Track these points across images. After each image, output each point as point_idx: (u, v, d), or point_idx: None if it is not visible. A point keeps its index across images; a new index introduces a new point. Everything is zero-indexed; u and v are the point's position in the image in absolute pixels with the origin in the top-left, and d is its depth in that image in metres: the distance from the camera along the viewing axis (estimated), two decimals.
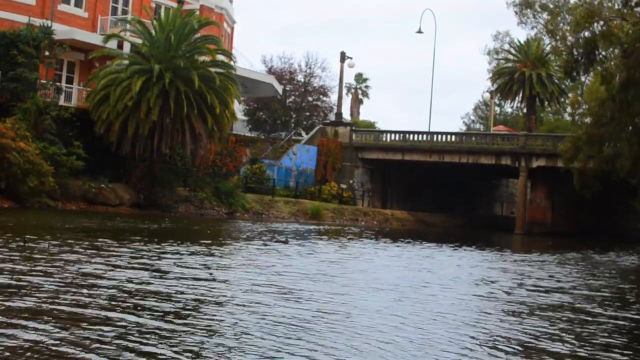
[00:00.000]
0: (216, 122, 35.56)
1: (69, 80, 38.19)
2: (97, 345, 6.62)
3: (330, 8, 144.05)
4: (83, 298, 9.06)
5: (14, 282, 9.82)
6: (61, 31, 35.67)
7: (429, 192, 57.11)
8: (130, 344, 6.74)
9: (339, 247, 21.94)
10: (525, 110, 66.94)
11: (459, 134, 55.04)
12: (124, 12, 41.22)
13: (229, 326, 7.98)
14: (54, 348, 6.41)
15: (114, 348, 6.57)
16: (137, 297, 9.41)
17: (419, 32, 58.58)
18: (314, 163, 51.17)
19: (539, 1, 59.95)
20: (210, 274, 12.36)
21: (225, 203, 38.46)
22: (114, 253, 14.61)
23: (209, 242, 19.64)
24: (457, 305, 10.82)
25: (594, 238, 42.99)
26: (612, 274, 18.87)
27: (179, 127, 34.87)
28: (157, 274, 11.86)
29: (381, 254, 20.45)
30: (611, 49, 28.59)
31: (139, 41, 36.13)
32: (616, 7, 28.43)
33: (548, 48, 38.79)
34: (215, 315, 8.66)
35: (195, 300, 9.58)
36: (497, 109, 78.03)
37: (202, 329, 7.72)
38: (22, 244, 14.35)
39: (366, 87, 79.19)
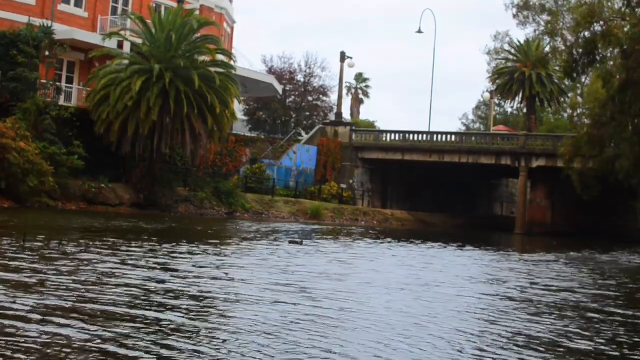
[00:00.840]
0: (216, 122, 35.57)
1: (69, 80, 38.19)
2: (133, 342, 6.80)
3: (331, 8, 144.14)
4: (110, 296, 9.25)
5: (39, 281, 9.99)
6: (61, 31, 35.67)
7: (429, 192, 57.11)
8: (164, 341, 6.92)
9: (346, 247, 22.01)
10: (525, 110, 66.95)
11: (459, 134, 55.06)
12: (124, 12, 41.22)
13: (259, 324, 8.12)
14: (95, 346, 6.58)
15: (149, 344, 6.74)
16: (161, 296, 9.64)
17: (419, 32, 58.60)
18: (314, 163, 51.17)
19: (538, 2, 60.04)
20: (227, 273, 12.53)
21: (225, 203, 38.47)
22: (128, 253, 14.79)
23: (217, 242, 19.78)
24: (479, 304, 11.06)
25: (594, 238, 42.99)
26: (619, 274, 19.02)
27: (179, 127, 34.87)
28: (175, 273, 12.09)
29: (388, 254, 20.58)
30: (611, 50, 28.59)
31: (139, 41, 36.13)
32: (617, 6, 28.42)
33: (548, 48, 38.80)
34: (241, 313, 8.83)
35: (218, 298, 9.79)
36: (497, 108, 78.04)
37: (233, 327, 7.90)
38: (22, 242, 14.40)
39: (366, 87, 79.24)
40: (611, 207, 52.03)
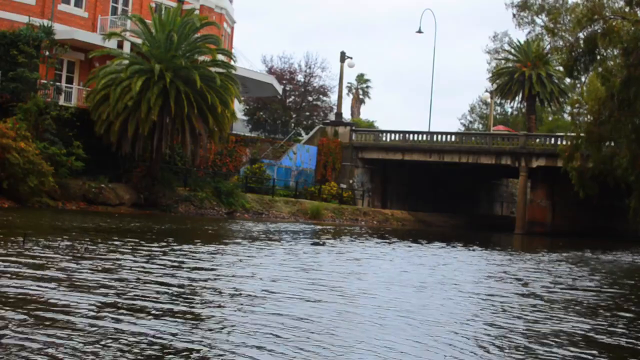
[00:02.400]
0: (216, 122, 35.57)
1: (69, 80, 38.20)
2: (187, 336, 7.04)
3: (331, 8, 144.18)
4: (154, 294, 9.54)
5: (76, 280, 10.25)
6: (61, 31, 35.68)
7: (429, 192, 57.12)
8: (221, 337, 7.17)
9: (363, 247, 22.23)
10: (525, 110, 66.94)
11: (459, 133, 55.06)
12: (124, 12, 41.23)
13: (306, 320, 8.36)
14: (156, 340, 6.86)
15: (206, 339, 6.98)
16: (203, 294, 9.96)
17: (419, 32, 58.63)
18: (313, 163, 51.18)
19: (537, 2, 59.92)
20: (252, 273, 12.73)
21: (225, 203, 38.46)
22: (151, 252, 15.06)
23: (229, 242, 19.94)
24: (513, 303, 11.29)
25: (595, 238, 43.06)
26: (631, 274, 19.41)
27: (179, 127, 34.88)
28: (204, 272, 12.40)
29: (403, 254, 20.76)
30: (611, 48, 28.57)
31: (139, 41, 36.13)
32: (617, 6, 28.42)
33: (548, 47, 38.70)
34: (283, 309, 9.03)
35: (258, 296, 10.02)
36: (497, 108, 78.06)
37: (285, 322, 8.12)
38: (22, 240, 14.39)
39: (367, 87, 79.26)
40: (611, 207, 52.02)
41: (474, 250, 24.80)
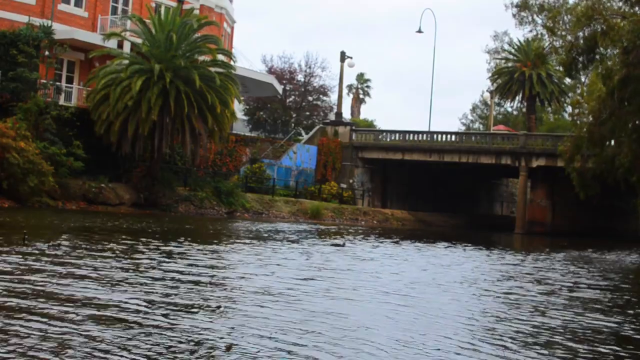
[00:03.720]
0: (216, 122, 35.56)
1: (69, 80, 38.18)
2: (242, 332, 7.42)
3: (331, 8, 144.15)
4: (190, 292, 9.90)
5: (112, 279, 10.59)
6: (61, 31, 35.67)
7: (429, 191, 57.11)
8: (269, 334, 7.41)
9: (365, 246, 22.37)
10: (525, 110, 66.91)
11: (459, 133, 55.03)
12: (124, 11, 41.21)
13: (346, 317, 8.69)
14: (206, 335, 7.23)
15: (253, 336, 7.27)
16: (236, 291, 10.34)
17: (419, 31, 58.64)
18: (314, 163, 51.17)
19: (537, 2, 59.66)
20: (272, 272, 12.95)
21: (225, 202, 38.45)
22: (169, 251, 15.40)
23: (240, 242, 20.08)
24: (543, 300, 11.69)
25: (595, 238, 43.05)
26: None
27: (179, 126, 34.87)
28: (229, 270, 12.87)
29: (417, 254, 20.95)
30: (611, 48, 28.56)
31: (139, 41, 36.12)
32: (615, 6, 28.39)
33: (547, 47, 38.60)
34: (323, 307, 9.32)
35: (306, 294, 10.41)
36: (497, 108, 78.00)
37: (326, 319, 8.45)
38: (22, 240, 14.40)
39: (367, 87, 79.26)
40: (611, 207, 52.03)
41: (482, 250, 25.06)
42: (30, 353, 6.11)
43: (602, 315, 10.46)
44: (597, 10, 26.33)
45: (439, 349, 7.30)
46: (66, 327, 7.13)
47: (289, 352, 6.65)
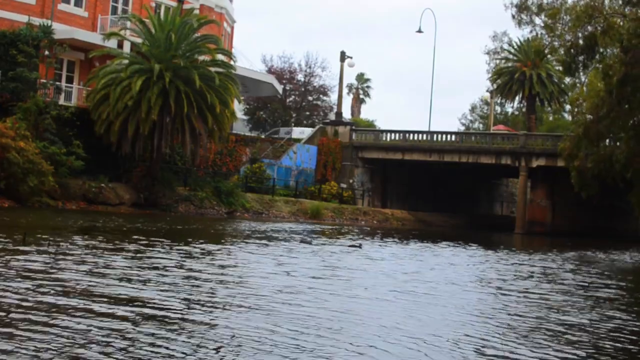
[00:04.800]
0: (216, 122, 35.55)
1: (69, 80, 38.18)
2: (288, 329, 7.67)
3: (331, 8, 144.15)
4: (216, 291, 10.18)
5: (140, 278, 10.84)
6: (61, 30, 35.66)
7: (429, 191, 57.09)
8: (308, 332, 7.61)
9: (371, 246, 22.49)
10: (525, 110, 66.90)
11: (459, 133, 55.03)
12: (124, 11, 41.21)
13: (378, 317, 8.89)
14: (243, 331, 7.47)
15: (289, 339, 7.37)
16: (287, 292, 10.46)
17: (419, 31, 58.66)
18: (314, 162, 51.16)
19: (536, 2, 59.56)
20: (287, 272, 13.14)
21: (225, 202, 38.45)
22: (186, 251, 15.61)
23: (251, 242, 20.20)
24: (562, 299, 12.01)
25: (595, 238, 43.05)
26: None
27: (179, 126, 34.85)
28: (249, 270, 13.14)
29: (421, 253, 21.12)
30: (611, 46, 28.56)
31: (139, 40, 36.11)
32: (616, 6, 28.40)
33: (547, 45, 38.53)
34: (353, 307, 9.52)
35: (341, 294, 10.61)
36: (497, 108, 78.00)
37: (360, 319, 8.64)
38: (22, 240, 14.40)
39: (367, 87, 79.30)
40: (611, 207, 52.01)
41: (488, 250, 25.26)
42: (79, 350, 6.25)
43: (623, 313, 10.70)
44: (597, 9, 26.36)
45: (478, 349, 7.50)
46: (116, 324, 7.39)
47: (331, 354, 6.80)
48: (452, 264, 17.69)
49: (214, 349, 6.59)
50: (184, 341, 6.82)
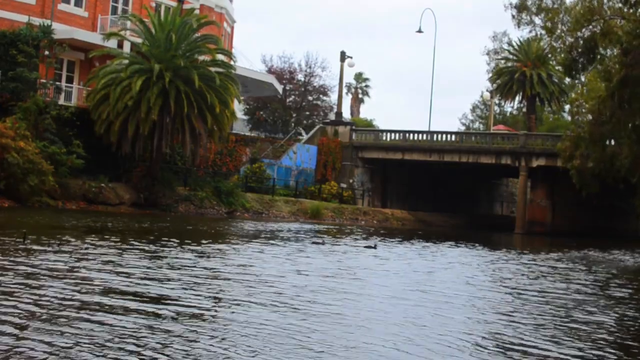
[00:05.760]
0: (216, 122, 35.56)
1: (69, 80, 38.18)
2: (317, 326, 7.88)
3: (331, 8, 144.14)
4: (239, 288, 10.50)
5: (162, 276, 11.15)
6: (61, 30, 35.66)
7: (429, 191, 57.08)
8: (339, 333, 7.76)
9: (387, 246, 22.68)
10: (525, 110, 66.89)
11: (459, 133, 55.00)
12: (124, 11, 41.20)
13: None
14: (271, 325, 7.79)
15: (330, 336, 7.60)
16: (315, 292, 10.70)
17: (419, 31, 58.65)
18: (314, 162, 51.14)
19: (536, 3, 59.46)
20: (306, 272, 13.38)
21: (225, 202, 38.45)
22: (200, 250, 15.89)
23: (262, 242, 20.32)
24: (581, 298, 12.25)
25: (595, 238, 43.03)
26: None
27: (179, 126, 34.86)
28: (268, 269, 13.37)
29: (428, 253, 21.27)
30: (611, 48, 28.56)
31: (139, 40, 36.11)
32: (616, 7, 28.38)
33: (546, 46, 38.58)
34: (382, 306, 9.78)
35: (365, 294, 10.86)
36: (497, 108, 77.99)
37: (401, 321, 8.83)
38: (22, 240, 14.41)
39: (366, 86, 79.30)
40: (611, 207, 51.99)
41: (495, 250, 25.37)
42: (113, 346, 6.55)
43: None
44: (597, 10, 26.35)
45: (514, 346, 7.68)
46: (152, 320, 7.66)
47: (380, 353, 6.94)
48: (463, 264, 17.92)
49: (250, 345, 6.78)
50: (219, 337, 7.02)
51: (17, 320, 7.26)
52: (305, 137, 55.00)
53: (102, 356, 6.16)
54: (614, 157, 30.41)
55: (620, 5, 27.45)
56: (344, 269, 14.17)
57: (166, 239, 18.36)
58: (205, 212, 36.68)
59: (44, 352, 6.12)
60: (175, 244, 16.95)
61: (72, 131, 32.91)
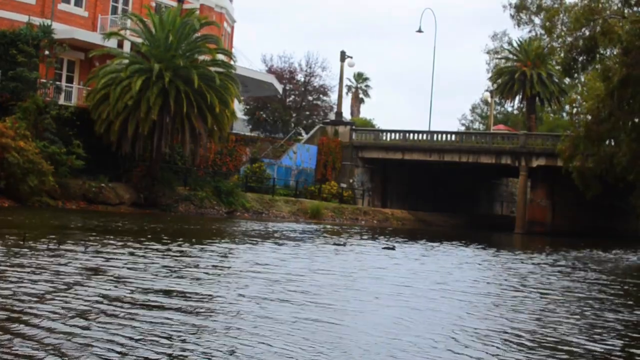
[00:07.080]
0: (216, 122, 35.56)
1: (69, 80, 38.19)
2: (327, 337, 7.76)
3: (331, 8, 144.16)
4: (262, 286, 10.59)
5: (185, 275, 11.33)
6: (61, 30, 35.67)
7: (429, 191, 57.09)
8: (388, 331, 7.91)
9: (403, 247, 22.73)
10: (525, 110, 66.89)
11: (459, 133, 55.02)
12: (124, 11, 41.22)
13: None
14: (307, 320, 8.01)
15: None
16: (342, 292, 10.79)
17: (419, 31, 58.68)
18: (314, 162, 51.15)
19: (535, 3, 59.44)
20: (328, 270, 13.47)
21: (225, 202, 38.46)
22: (220, 249, 16.13)
23: (273, 242, 20.34)
24: (607, 297, 12.43)
25: (595, 238, 43.04)
26: None
27: (179, 126, 34.87)
28: (290, 267, 13.56)
29: (435, 253, 21.37)
30: (611, 47, 28.56)
31: (139, 40, 36.12)
32: (615, 7, 28.41)
33: (546, 46, 38.55)
34: (417, 305, 9.91)
35: (393, 294, 10.93)
36: (497, 108, 78.00)
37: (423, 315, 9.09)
38: (22, 241, 14.40)
39: (366, 86, 79.30)
40: (611, 207, 52.00)
41: (501, 250, 25.39)
42: (152, 339, 6.73)
43: None
44: (597, 10, 26.36)
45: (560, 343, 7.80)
46: (188, 316, 7.88)
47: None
48: (475, 263, 18.03)
49: (286, 342, 6.88)
50: (256, 334, 7.13)
51: (90, 315, 7.61)
52: (305, 137, 55.02)
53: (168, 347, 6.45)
54: (613, 157, 30.41)
55: (619, 5, 27.47)
56: (369, 270, 14.23)
57: (180, 239, 18.50)
58: (205, 212, 36.69)
59: (113, 347, 6.32)
60: (191, 244, 17.11)
61: (72, 131, 32.92)
